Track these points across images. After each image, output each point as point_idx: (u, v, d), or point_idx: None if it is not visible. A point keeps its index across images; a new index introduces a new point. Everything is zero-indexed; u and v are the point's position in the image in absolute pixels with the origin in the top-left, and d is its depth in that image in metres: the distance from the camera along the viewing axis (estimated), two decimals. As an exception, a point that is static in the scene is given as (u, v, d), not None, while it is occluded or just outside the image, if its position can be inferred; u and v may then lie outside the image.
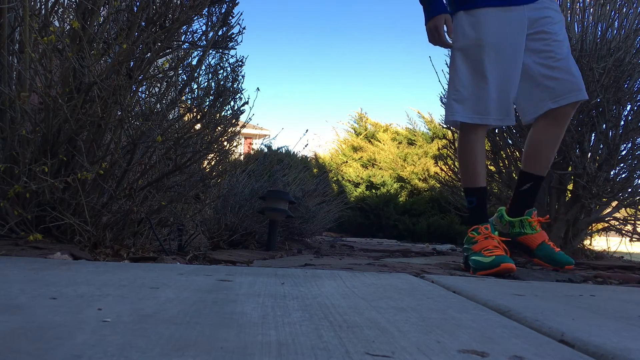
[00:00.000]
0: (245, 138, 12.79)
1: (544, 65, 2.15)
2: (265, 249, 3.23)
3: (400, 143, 9.59)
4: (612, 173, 3.13)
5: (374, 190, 8.76)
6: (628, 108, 3.03)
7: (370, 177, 8.99)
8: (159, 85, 2.23)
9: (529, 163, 2.28)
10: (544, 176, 2.30)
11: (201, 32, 2.46)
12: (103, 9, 1.94)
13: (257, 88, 2.64)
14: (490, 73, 2.12)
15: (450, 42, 2.19)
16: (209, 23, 2.49)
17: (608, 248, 3.56)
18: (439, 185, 4.82)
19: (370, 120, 10.63)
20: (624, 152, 3.16)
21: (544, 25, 2.15)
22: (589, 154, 3.06)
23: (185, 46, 2.45)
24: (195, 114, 2.27)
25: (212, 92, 2.37)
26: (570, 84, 2.12)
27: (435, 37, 2.18)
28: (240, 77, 2.50)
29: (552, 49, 2.14)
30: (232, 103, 2.47)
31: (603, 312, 1.08)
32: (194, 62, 2.40)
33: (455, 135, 3.80)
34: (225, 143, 2.53)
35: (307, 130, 9.40)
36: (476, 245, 2.08)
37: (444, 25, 2.16)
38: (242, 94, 2.50)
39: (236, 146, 2.96)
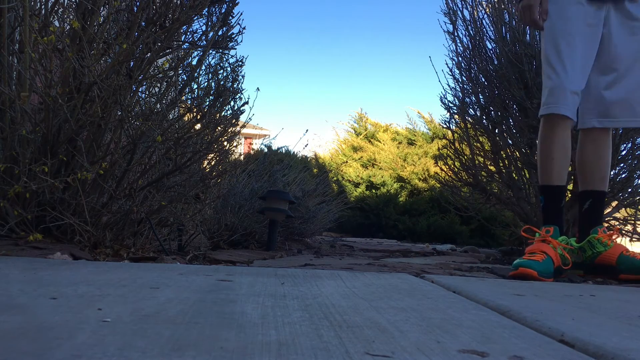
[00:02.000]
0: (245, 138, 12.79)
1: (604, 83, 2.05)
2: (265, 249, 3.23)
3: (400, 143, 9.59)
4: (612, 173, 3.13)
5: (374, 190, 8.77)
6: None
7: (370, 177, 8.99)
8: (159, 85, 2.23)
9: (580, 181, 2.19)
10: (601, 190, 2.14)
11: (201, 32, 2.47)
12: (103, 9, 1.94)
13: (257, 88, 2.65)
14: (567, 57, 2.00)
15: (542, 24, 2.07)
16: (209, 23, 2.49)
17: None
18: (439, 185, 4.82)
19: (370, 120, 10.65)
20: (624, 152, 3.16)
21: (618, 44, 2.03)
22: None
23: (185, 46, 2.45)
24: (195, 114, 2.27)
25: (212, 92, 2.37)
26: (622, 108, 2.04)
27: (527, 16, 2.06)
28: (240, 77, 2.51)
29: (616, 68, 2.04)
30: (232, 103, 2.48)
31: (603, 312, 1.08)
32: (194, 62, 2.40)
33: (456, 135, 3.80)
34: (225, 143, 2.54)
35: (307, 130, 9.41)
36: (529, 247, 1.99)
37: (539, 5, 2.05)
38: (242, 94, 2.51)
39: (236, 146, 2.96)
